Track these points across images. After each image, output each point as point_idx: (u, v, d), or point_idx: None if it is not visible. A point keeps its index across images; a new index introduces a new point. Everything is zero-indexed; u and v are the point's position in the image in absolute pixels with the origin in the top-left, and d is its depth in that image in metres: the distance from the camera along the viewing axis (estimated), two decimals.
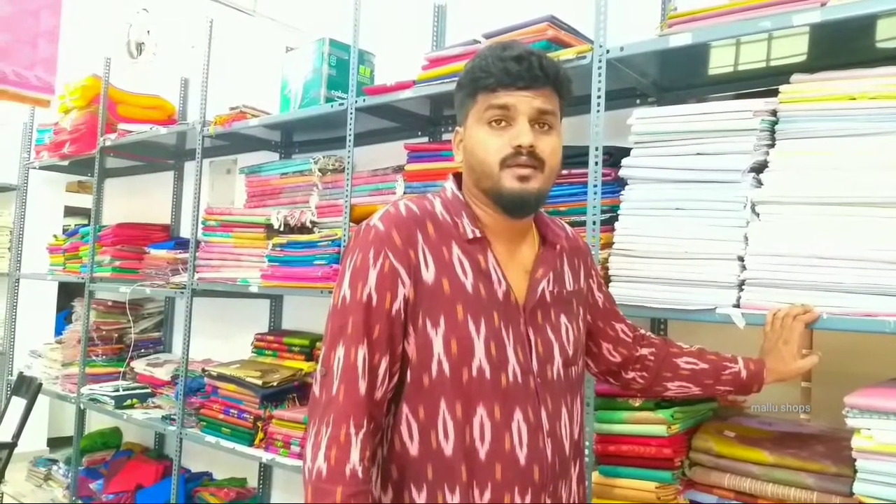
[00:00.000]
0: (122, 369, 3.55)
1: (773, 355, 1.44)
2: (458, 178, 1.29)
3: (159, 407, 3.29)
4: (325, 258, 2.42)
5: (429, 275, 1.15)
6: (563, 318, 1.25)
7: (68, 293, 4.36)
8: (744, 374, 1.44)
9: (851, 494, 1.32)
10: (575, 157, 1.78)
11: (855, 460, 1.30)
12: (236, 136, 3.00)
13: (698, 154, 1.60)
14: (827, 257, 1.40)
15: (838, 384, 1.40)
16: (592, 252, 1.70)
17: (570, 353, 1.25)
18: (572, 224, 1.81)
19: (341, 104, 2.41)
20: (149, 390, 3.40)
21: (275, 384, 2.62)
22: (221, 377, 2.76)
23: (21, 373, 3.68)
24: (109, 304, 3.75)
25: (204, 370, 2.90)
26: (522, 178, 1.15)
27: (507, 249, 1.23)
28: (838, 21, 1.43)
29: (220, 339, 3.41)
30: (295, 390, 2.67)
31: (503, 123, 1.16)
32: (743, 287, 1.52)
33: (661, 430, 1.60)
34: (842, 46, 1.63)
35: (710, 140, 1.58)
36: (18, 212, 4.30)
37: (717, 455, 1.55)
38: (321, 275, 2.40)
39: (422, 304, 1.14)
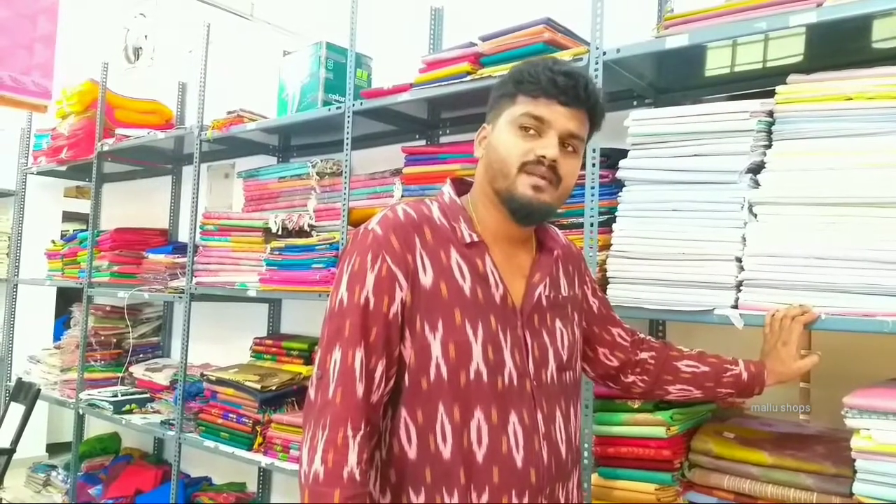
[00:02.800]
0: (120, 374, 3.54)
1: (773, 357, 1.44)
2: (455, 182, 1.29)
3: (158, 412, 3.29)
4: (323, 262, 2.42)
5: (427, 279, 1.15)
6: (558, 323, 1.26)
7: (67, 298, 4.35)
8: (745, 376, 1.44)
9: (851, 495, 1.32)
10: None
11: (854, 461, 1.30)
12: (234, 140, 3.00)
13: (695, 155, 1.60)
14: (824, 257, 1.40)
15: (837, 385, 1.40)
16: (590, 254, 1.70)
17: (565, 357, 1.25)
18: (570, 226, 1.82)
19: (338, 108, 2.42)
20: (147, 395, 3.39)
21: (273, 388, 2.62)
22: (220, 381, 2.75)
23: (20, 378, 3.67)
24: (108, 309, 3.75)
25: (202, 375, 2.90)
26: (536, 188, 1.16)
27: (505, 254, 1.23)
28: (834, 21, 1.43)
29: (219, 344, 3.40)
30: (294, 394, 2.67)
31: (532, 132, 1.17)
32: (741, 288, 1.51)
33: (660, 431, 1.60)
34: (838, 47, 1.63)
35: (707, 141, 1.58)
36: (16, 217, 4.30)
37: (716, 456, 1.55)
38: (319, 278, 2.40)
39: (419, 308, 1.14)
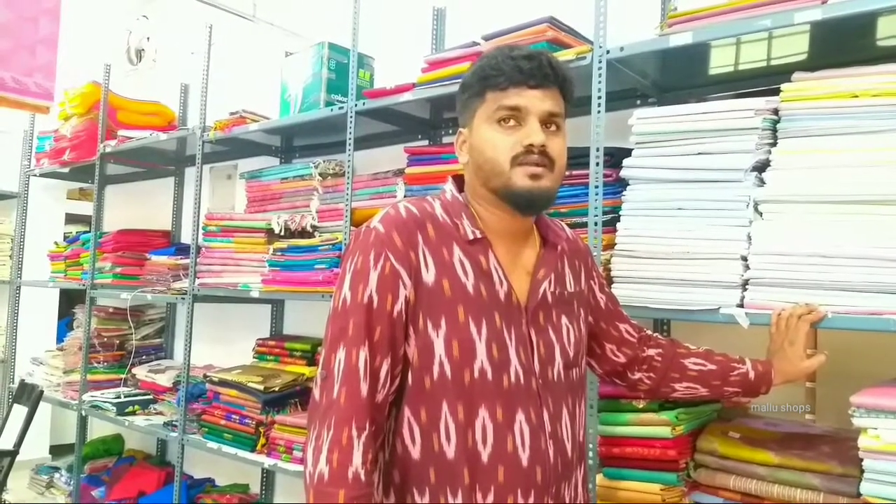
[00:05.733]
0: (123, 376, 3.54)
1: (780, 356, 1.43)
2: (457, 180, 1.28)
3: (161, 413, 3.28)
4: (325, 262, 2.42)
5: (429, 276, 1.14)
6: (564, 320, 1.25)
7: (70, 300, 4.35)
8: (752, 374, 1.43)
9: (859, 495, 1.31)
10: (576, 158, 1.77)
11: (862, 460, 1.29)
12: (236, 141, 3.00)
13: (700, 154, 1.59)
14: (831, 256, 1.40)
15: (843, 384, 1.39)
16: (594, 253, 1.69)
17: (571, 354, 1.24)
18: (574, 225, 1.80)
19: (341, 108, 2.41)
20: (150, 397, 3.39)
21: (276, 389, 2.61)
22: (223, 383, 2.75)
23: (23, 380, 3.67)
24: (111, 310, 3.74)
25: (205, 376, 2.89)
26: (534, 176, 1.15)
27: (508, 250, 1.22)
28: (839, 19, 1.43)
29: (222, 345, 3.40)
30: (297, 395, 2.66)
31: (512, 123, 1.16)
32: (747, 287, 1.51)
33: (665, 431, 1.59)
34: (842, 45, 1.62)
35: (711, 139, 1.58)
36: (19, 219, 4.30)
37: (722, 456, 1.54)
38: (322, 279, 2.39)
39: (422, 306, 1.13)
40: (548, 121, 1.17)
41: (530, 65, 1.15)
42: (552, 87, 1.18)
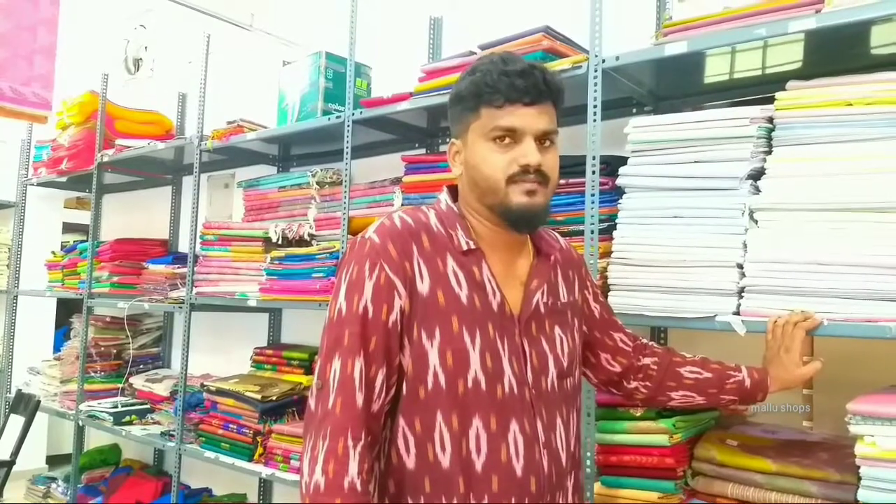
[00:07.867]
0: (120, 385, 3.53)
1: (776, 363, 1.43)
2: (451, 189, 1.29)
3: (158, 423, 3.27)
4: (323, 271, 2.42)
5: (424, 286, 1.14)
6: (557, 330, 1.25)
7: (67, 309, 4.34)
8: (748, 382, 1.43)
9: (856, 502, 1.31)
10: (572, 166, 1.78)
11: (859, 467, 1.29)
12: (234, 150, 3.00)
13: (696, 162, 1.59)
14: (826, 263, 1.40)
15: (840, 391, 1.39)
16: (591, 262, 1.70)
17: (565, 364, 1.24)
18: (570, 233, 1.82)
19: (338, 117, 2.42)
20: (148, 406, 3.38)
21: (274, 398, 2.61)
22: (220, 392, 2.74)
23: (19, 390, 3.67)
24: (108, 319, 3.74)
25: (203, 385, 2.89)
26: (530, 193, 1.16)
27: (502, 261, 1.23)
28: (833, 28, 1.44)
29: (219, 354, 3.39)
30: (294, 404, 2.66)
31: (508, 141, 1.16)
32: (742, 294, 1.51)
33: (663, 439, 1.59)
34: (837, 53, 1.63)
35: (707, 148, 1.58)
36: (17, 229, 4.30)
37: (719, 464, 1.54)
38: (319, 288, 2.39)
39: (417, 316, 1.14)
40: (542, 138, 1.18)
41: (525, 83, 1.15)
42: (546, 102, 1.18)
